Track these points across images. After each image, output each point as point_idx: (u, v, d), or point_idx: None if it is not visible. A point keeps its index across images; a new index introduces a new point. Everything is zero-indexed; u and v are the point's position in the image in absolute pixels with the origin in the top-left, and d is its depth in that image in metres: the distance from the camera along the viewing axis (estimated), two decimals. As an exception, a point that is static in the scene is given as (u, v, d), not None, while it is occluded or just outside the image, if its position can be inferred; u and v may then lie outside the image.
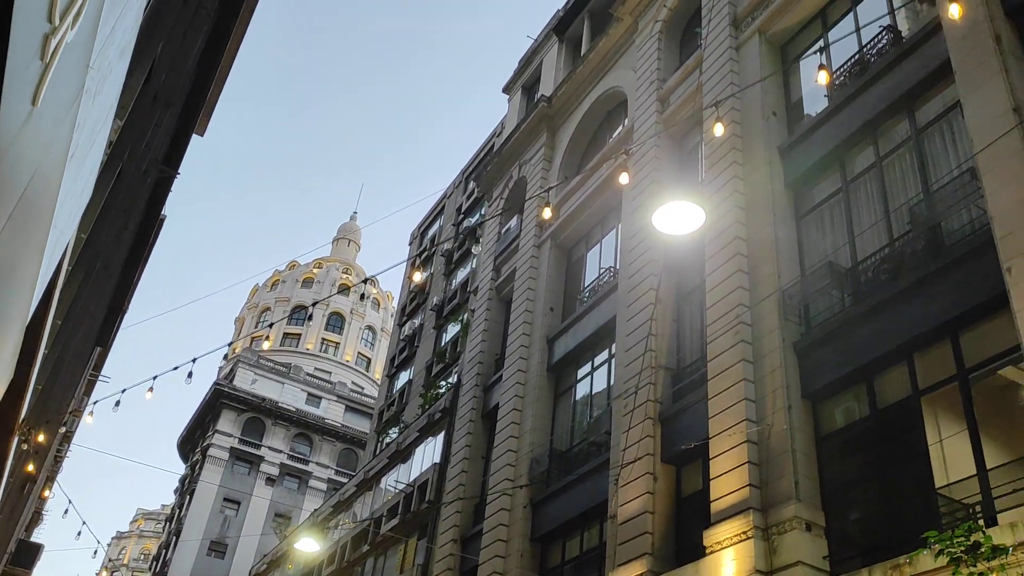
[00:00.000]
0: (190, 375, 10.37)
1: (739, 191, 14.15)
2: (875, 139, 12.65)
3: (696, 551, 11.78)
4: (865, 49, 13.40)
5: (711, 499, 11.71)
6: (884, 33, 13.13)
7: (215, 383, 54.25)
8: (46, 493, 21.58)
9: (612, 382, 16.88)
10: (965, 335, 9.98)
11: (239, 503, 50.45)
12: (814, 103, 14.42)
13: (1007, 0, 10.87)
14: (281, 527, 48.43)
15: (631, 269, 16.64)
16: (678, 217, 8.90)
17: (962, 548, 6.98)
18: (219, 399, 52.91)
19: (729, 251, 13.58)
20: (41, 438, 8.97)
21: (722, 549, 11.03)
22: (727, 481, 11.51)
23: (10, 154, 2.62)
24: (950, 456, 9.68)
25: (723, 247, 13.75)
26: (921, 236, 10.97)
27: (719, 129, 10.69)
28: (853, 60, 13.56)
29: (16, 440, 7.29)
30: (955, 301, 10.03)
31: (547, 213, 12.02)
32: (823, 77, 10.05)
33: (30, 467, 9.85)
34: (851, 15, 14.28)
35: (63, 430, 18.04)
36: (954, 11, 8.95)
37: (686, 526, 13.08)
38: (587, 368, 18.73)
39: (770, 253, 13.03)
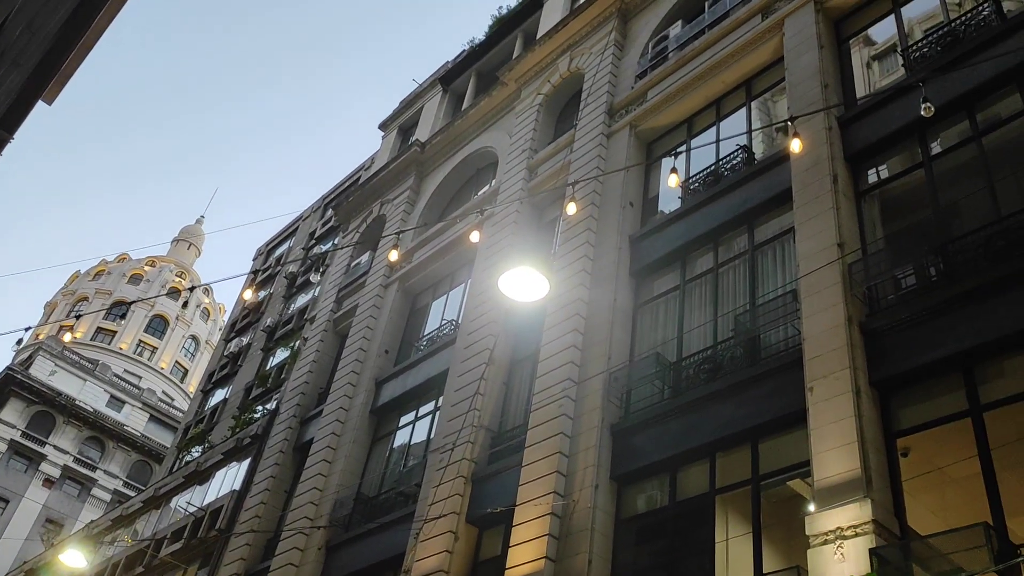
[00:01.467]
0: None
1: (587, 270, 14.62)
2: (716, 246, 13.46)
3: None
4: (721, 162, 14.34)
5: (507, 566, 11.74)
6: (739, 151, 14.12)
7: (7, 367, 49.66)
8: None
9: (432, 435, 16.76)
10: (764, 443, 10.62)
11: (7, 501, 45.96)
12: (669, 202, 15.23)
13: (848, 146, 11.98)
14: (50, 534, 44.41)
15: (472, 326, 16.74)
16: (524, 284, 9.08)
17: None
18: (9, 385, 48.41)
19: (567, 325, 13.94)
20: None
21: (508, 619, 11.03)
22: (525, 550, 11.58)
23: None
24: (733, 556, 10.17)
25: (562, 321, 14.10)
26: (741, 344, 11.68)
27: (572, 208, 11.09)
28: (709, 170, 14.46)
29: None
30: (761, 409, 10.68)
31: (394, 255, 11.97)
32: (673, 180, 10.68)
33: None
34: (714, 128, 15.29)
35: None
36: (795, 146, 9.76)
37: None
38: (411, 416, 18.52)
39: (605, 334, 13.47)
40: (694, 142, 15.61)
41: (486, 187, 21.52)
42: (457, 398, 15.52)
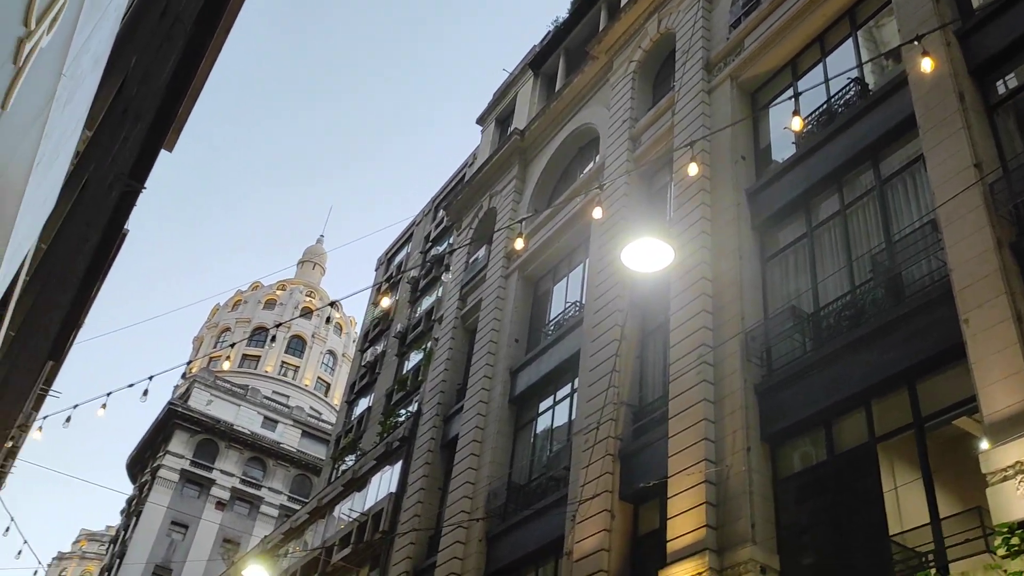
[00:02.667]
0: (145, 393, 10.16)
1: (706, 232, 14.31)
2: (840, 188, 12.90)
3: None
4: (833, 100, 13.71)
5: (667, 539, 11.67)
6: (852, 85, 13.46)
7: (169, 403, 53.16)
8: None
9: (573, 417, 16.84)
10: (922, 383, 10.13)
11: (187, 527, 49.25)
12: (782, 150, 14.70)
13: (970, 59, 11.21)
14: (229, 553, 47.32)
15: (597, 304, 16.70)
16: (646, 254, 8.96)
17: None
18: (172, 419, 51.82)
19: (695, 290, 13.69)
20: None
21: (677, 589, 10.98)
22: (684, 521, 11.48)
23: (-26, 158, 2.55)
24: (904, 504, 9.76)
25: (689, 286, 13.86)
26: (882, 284, 11.16)
27: (693, 168, 10.80)
28: (821, 110, 13.86)
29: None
30: (913, 350, 10.18)
31: (519, 243, 12.01)
32: (797, 123, 10.22)
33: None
34: (820, 66, 14.62)
35: (9, 444, 17.52)
36: (926, 65, 9.19)
37: (642, 565, 13.01)
38: (549, 401, 18.67)
39: (735, 294, 13.16)
40: (801, 84, 14.99)
41: (591, 164, 21.38)
42: (593, 378, 15.52)
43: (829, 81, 14.12)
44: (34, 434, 10.79)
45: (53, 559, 79.07)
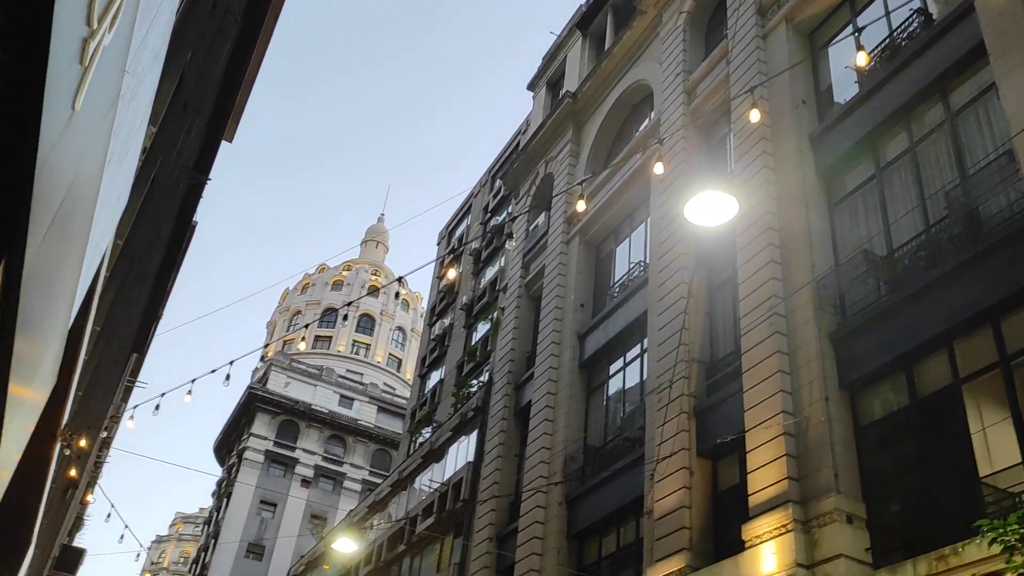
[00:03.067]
0: (228, 377, 10.49)
1: (770, 181, 14.00)
2: (908, 124, 12.44)
3: (735, 546, 11.67)
4: (895, 33, 13.19)
5: (749, 493, 11.60)
6: (914, 16, 12.91)
7: (249, 387, 54.79)
8: (88, 498, 21.92)
9: (645, 377, 16.78)
10: (1006, 321, 9.78)
11: (275, 505, 50.91)
12: (844, 90, 14.23)
13: (1042, -22, 10.63)
14: (317, 528, 48.81)
15: (662, 263, 16.54)
16: (710, 208, 8.81)
17: (1016, 536, 6.83)
18: (253, 402, 53.42)
19: (761, 242, 13.44)
20: (83, 443, 9.11)
21: (761, 543, 10.92)
22: (765, 474, 11.39)
23: (51, 159, 2.64)
24: (993, 445, 9.49)
25: (755, 238, 13.61)
26: (958, 221, 10.78)
27: (755, 115, 10.54)
28: (883, 45, 13.35)
29: (59, 446, 7.40)
30: (995, 287, 9.83)
31: (581, 206, 11.96)
32: (861, 58, 9.84)
33: (72, 472, 10.00)
34: (879, 0, 14.06)
35: (104, 435, 18.31)
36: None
37: (724, 521, 12.97)
38: (619, 363, 18.65)
39: (803, 243, 12.87)
40: (860, 20, 14.44)
41: (646, 121, 21.06)
42: (662, 337, 15.42)
43: (890, 14, 13.58)
44: (127, 423, 11.29)
45: (152, 542, 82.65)
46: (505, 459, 21.24)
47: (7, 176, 2.59)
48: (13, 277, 2.93)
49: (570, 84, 26.04)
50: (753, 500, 11.41)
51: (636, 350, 17.96)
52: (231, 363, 10.28)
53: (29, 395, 4.69)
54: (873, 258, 11.92)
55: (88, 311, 5.94)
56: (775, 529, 10.75)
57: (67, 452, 7.88)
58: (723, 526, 12.94)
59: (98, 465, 21.31)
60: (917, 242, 11.39)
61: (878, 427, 11.16)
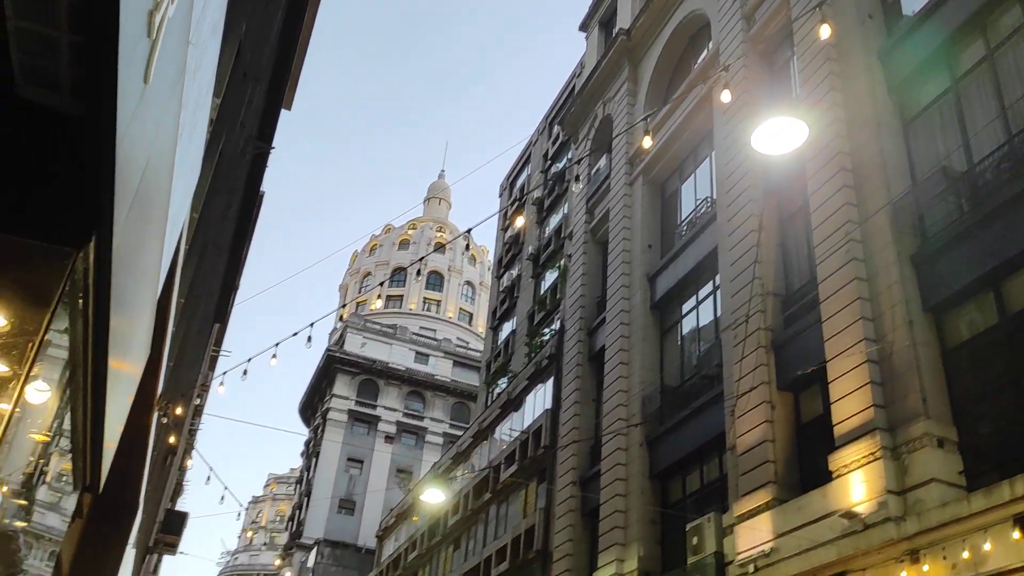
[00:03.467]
0: (309, 339, 10.77)
1: (838, 103, 13.51)
2: (983, 31, 11.81)
3: (822, 476, 11.57)
4: (966, -66, 12.45)
5: (834, 423, 11.45)
6: (986, -86, 12.15)
7: (327, 349, 56.19)
8: (187, 463, 22.95)
9: (719, 314, 16.59)
10: (1101, 229, 9.32)
11: (362, 461, 52.48)
12: (912, 1, 13.55)
13: None
14: (404, 482, 50.21)
15: (730, 196, 16.21)
16: (777, 136, 8.55)
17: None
18: (332, 364, 54.83)
19: (832, 167, 13.03)
20: (178, 411, 9.50)
21: (849, 472, 10.80)
22: (849, 403, 11.21)
23: (128, 136, 2.70)
24: (1092, 359, 9.13)
25: (826, 163, 13.20)
26: (1044, 129, 10.25)
27: (825, 31, 10.09)
28: (953, -52, 12.63)
29: (156, 415, 7.72)
30: (1087, 194, 9.36)
31: (647, 142, 11.71)
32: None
33: (171, 439, 10.47)
34: (947, -100, 13.27)
35: (197, 402, 19.05)
36: None
37: (809, 452, 12.85)
38: (691, 302, 18.47)
39: (877, 164, 12.44)
40: (926, -77, 13.67)
41: (703, 53, 20.48)
42: (735, 272, 15.19)
43: (959, -86, 12.81)
44: (218, 389, 11.78)
45: (249, 503, 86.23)
46: (582, 404, 21.38)
47: (90, 156, 2.67)
48: (103, 256, 3.02)
49: (623, 21, 25.43)
50: (839, 430, 11.26)
51: (708, 287, 17.75)
52: (311, 325, 10.54)
53: (126, 368, 4.89)
54: (952, 175, 11.45)
55: (172, 284, 6.13)
56: (863, 457, 10.61)
57: (164, 420, 8.24)
58: (808, 458, 12.82)
59: (192, 432, 22.21)
60: (999, 154, 10.88)
61: (965, 348, 10.84)
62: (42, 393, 3.11)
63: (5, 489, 2.85)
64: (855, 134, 13.08)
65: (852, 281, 11.88)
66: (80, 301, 3.02)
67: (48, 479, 4.35)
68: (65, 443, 4.21)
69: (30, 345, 2.76)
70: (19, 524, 3.74)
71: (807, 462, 12.82)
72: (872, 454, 10.45)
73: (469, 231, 10.73)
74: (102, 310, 3.39)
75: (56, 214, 2.73)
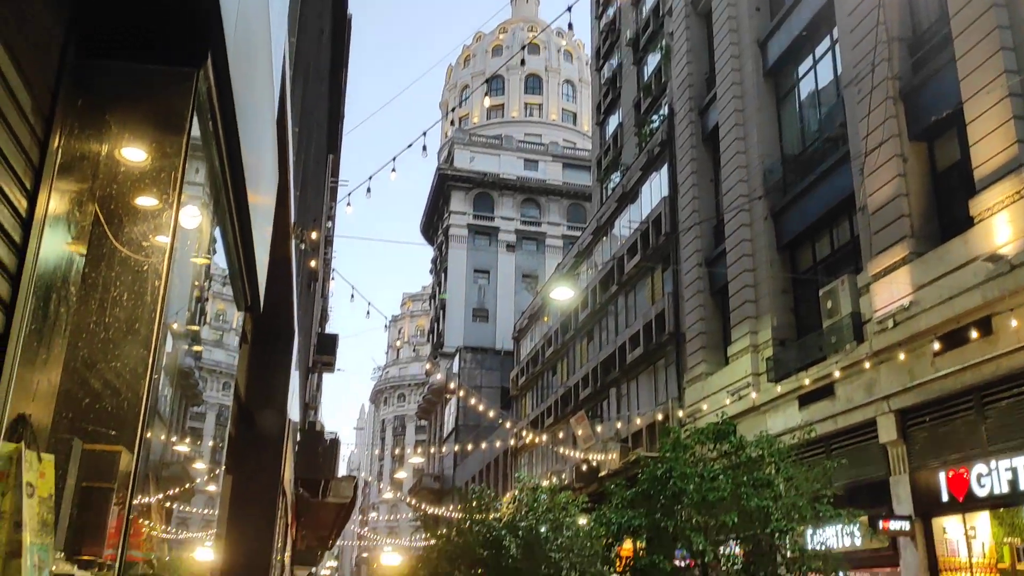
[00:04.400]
0: (424, 148, 10.88)
1: None
2: None
3: (961, 224, 11.15)
4: None
5: (973, 167, 10.85)
6: None
7: (438, 168, 56.84)
8: (329, 288, 24.32)
9: (839, 70, 15.57)
10: None
11: (488, 272, 54.23)
12: None
13: None
14: (531, 286, 51.78)
15: (843, -63, 14.72)
16: None
17: None
18: (445, 183, 55.62)
19: None
20: (313, 235, 9.95)
21: (992, 215, 10.34)
22: (991, 143, 10.53)
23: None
24: None
25: None
26: None
27: None
28: None
29: (294, 242, 8.10)
30: None
31: None
32: None
33: (312, 263, 11.04)
34: None
35: (329, 224, 19.87)
36: None
37: (946, 201, 12.32)
38: (808, 63, 17.36)
39: None
40: None
41: None
42: (854, 21, 14.06)
43: None
44: (346, 210, 12.28)
45: (389, 321, 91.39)
46: (700, 186, 21.01)
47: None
48: (222, 75, 3.06)
49: None
50: (979, 173, 10.68)
51: (826, 43, 16.57)
52: (423, 134, 10.61)
53: (261, 200, 5.09)
54: None
55: (285, 110, 6.22)
56: (1007, 198, 10.09)
57: (302, 246, 8.66)
58: (946, 207, 12.31)
59: (327, 262, 23.36)
60: None
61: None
62: (194, 219, 3.29)
63: (176, 326, 3.09)
64: None
65: (989, 9, 10.81)
66: (209, 123, 3.10)
67: (208, 320, 4.70)
68: (221, 267, 4.50)
69: (173, 174, 2.88)
70: (192, 362, 4.08)
71: (945, 212, 12.33)
72: (1017, 193, 9.92)
73: (559, 28, 10.28)
74: (233, 140, 3.50)
75: (170, 36, 2.75)
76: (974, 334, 10.56)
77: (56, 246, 2.23)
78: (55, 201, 2.26)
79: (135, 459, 2.42)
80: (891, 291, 12.24)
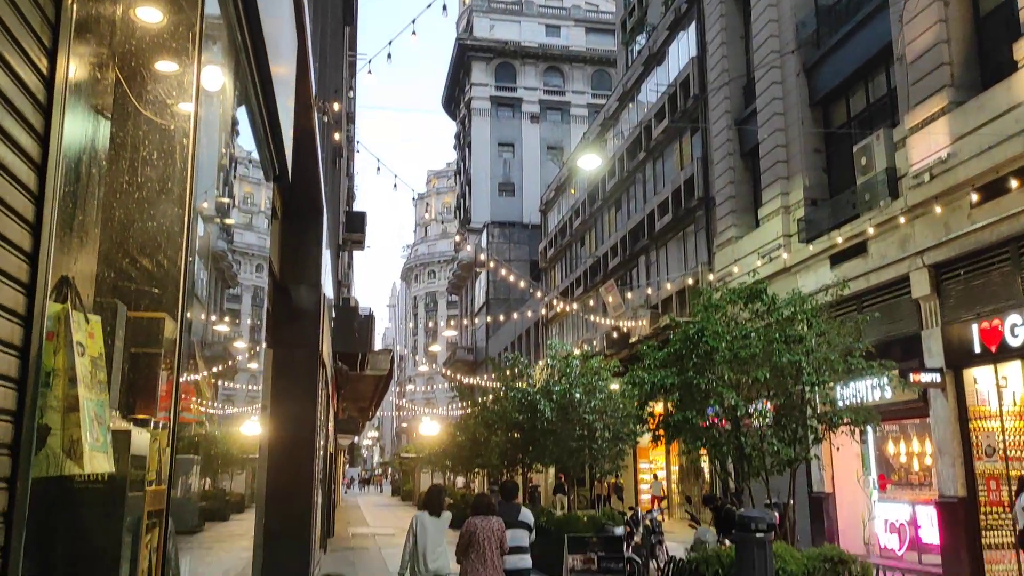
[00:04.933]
0: (444, 8, 10.52)
1: None
2: None
3: (1004, 69, 10.69)
4: None
5: (1020, 6, 10.28)
6: None
7: (457, 39, 55.22)
8: (353, 166, 24.19)
9: (878, -91, 14.62)
10: None
11: (512, 144, 53.48)
12: None
13: None
14: (556, 157, 51.10)
15: None
16: None
17: None
18: (465, 53, 54.14)
19: None
20: (336, 107, 9.79)
21: (1039, 58, 9.87)
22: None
23: None
24: None
25: None
26: None
27: None
28: None
29: (316, 114, 7.98)
30: None
31: None
32: None
33: (336, 136, 10.91)
34: None
35: (351, 94, 19.55)
36: None
37: (990, 47, 11.78)
38: (845, -97, 16.31)
39: None
40: None
41: None
42: None
43: None
44: (366, 74, 12.00)
45: (416, 197, 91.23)
46: (730, 44, 20.26)
47: None
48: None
49: None
50: (1026, 13, 10.14)
51: None
52: (441, -13, 10.21)
53: (282, 71, 4.97)
54: None
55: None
56: (1056, 39, 9.60)
57: (325, 119, 8.53)
58: (988, 53, 11.79)
59: (350, 139, 23.13)
60: None
61: None
62: (216, 80, 3.22)
63: (205, 205, 3.05)
64: None
65: None
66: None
67: (237, 203, 4.67)
68: (247, 140, 4.45)
69: (191, 35, 2.80)
70: (224, 245, 4.07)
71: (987, 58, 11.81)
72: (1067, 32, 9.43)
73: None
74: (253, 12, 3.39)
75: None
76: (1013, 183, 10.30)
77: (81, 106, 2.20)
78: (75, 62, 2.21)
79: (179, 322, 2.46)
80: (928, 143, 11.91)
